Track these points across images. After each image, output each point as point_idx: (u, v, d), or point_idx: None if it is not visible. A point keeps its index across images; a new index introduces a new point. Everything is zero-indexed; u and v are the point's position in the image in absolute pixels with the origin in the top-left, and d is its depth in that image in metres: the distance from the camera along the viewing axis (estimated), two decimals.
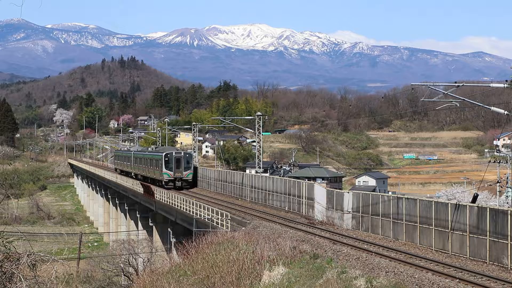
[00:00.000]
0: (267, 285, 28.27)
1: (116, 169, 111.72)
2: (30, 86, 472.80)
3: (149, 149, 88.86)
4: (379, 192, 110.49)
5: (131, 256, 55.50)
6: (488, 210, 29.21)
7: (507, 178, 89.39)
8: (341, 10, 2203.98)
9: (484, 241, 29.04)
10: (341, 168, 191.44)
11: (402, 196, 37.65)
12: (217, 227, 43.41)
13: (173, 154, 71.63)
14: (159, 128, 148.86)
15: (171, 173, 70.96)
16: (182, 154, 72.70)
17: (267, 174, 71.68)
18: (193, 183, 74.09)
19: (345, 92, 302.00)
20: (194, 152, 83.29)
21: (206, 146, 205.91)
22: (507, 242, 27.61)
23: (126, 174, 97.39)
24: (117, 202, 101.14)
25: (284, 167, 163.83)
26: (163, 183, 71.69)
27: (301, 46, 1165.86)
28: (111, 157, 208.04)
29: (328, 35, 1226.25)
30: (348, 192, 42.71)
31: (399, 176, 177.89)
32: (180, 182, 71.45)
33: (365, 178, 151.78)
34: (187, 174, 71.78)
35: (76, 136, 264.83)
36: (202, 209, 48.84)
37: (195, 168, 75.93)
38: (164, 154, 71.43)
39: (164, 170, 71.10)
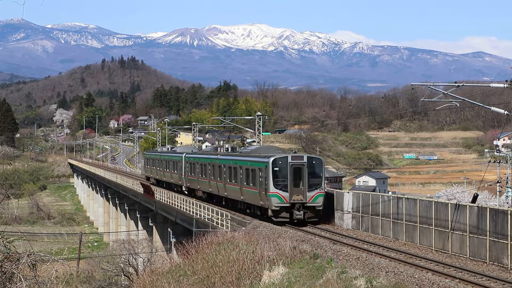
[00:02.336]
0: (267, 285, 28.26)
1: (148, 178, 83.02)
2: (30, 86, 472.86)
3: (220, 150, 55.70)
4: (379, 192, 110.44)
5: (131, 256, 55.51)
6: (488, 210, 29.18)
7: (507, 178, 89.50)
8: (341, 10, 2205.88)
9: (484, 241, 29.02)
10: (341, 168, 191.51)
11: (402, 196, 37.61)
12: (217, 227, 43.41)
13: (288, 159, 40.21)
14: (159, 128, 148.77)
15: (285, 195, 39.86)
16: (305, 159, 40.65)
17: None
18: (323, 214, 41.42)
19: (345, 92, 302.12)
20: None
21: (206, 146, 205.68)
22: (507, 242, 27.59)
23: (170, 187, 69.76)
24: (117, 202, 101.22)
25: None
26: (270, 212, 40.61)
27: (301, 46, 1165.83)
28: (112, 157, 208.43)
29: (328, 35, 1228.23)
30: (348, 192, 42.64)
31: (399, 176, 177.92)
32: (301, 212, 39.96)
33: (365, 178, 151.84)
34: (314, 197, 40.15)
35: (76, 136, 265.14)
36: (202, 209, 48.87)
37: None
38: (272, 159, 40.34)
39: (272, 189, 39.99)
